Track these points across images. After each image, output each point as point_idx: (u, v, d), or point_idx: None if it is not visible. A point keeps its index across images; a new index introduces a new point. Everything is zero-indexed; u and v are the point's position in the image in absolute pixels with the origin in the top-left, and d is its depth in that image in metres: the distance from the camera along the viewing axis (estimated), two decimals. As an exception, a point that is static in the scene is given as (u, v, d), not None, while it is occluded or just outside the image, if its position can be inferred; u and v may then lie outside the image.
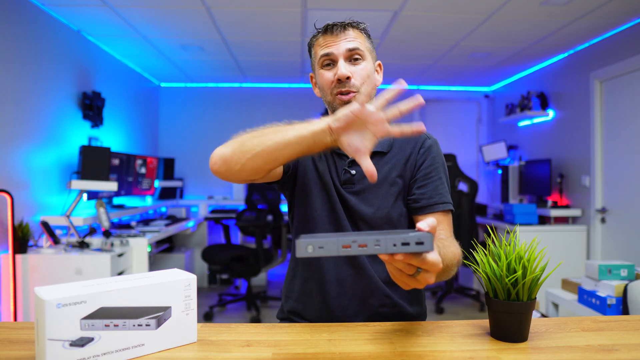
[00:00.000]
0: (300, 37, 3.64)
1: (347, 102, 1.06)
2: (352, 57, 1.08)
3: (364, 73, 1.08)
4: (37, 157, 2.94)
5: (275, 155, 0.91)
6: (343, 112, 0.82)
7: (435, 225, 0.66)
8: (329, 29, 1.10)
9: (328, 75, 1.09)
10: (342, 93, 1.07)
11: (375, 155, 1.13)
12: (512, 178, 4.52)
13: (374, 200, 1.12)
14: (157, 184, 4.75)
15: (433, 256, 0.67)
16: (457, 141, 5.56)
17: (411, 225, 1.15)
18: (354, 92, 1.07)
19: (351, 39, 1.08)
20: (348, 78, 1.06)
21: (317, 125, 0.86)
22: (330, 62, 1.10)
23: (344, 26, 1.09)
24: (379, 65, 1.18)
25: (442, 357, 0.77)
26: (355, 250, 0.62)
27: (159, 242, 4.24)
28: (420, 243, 0.62)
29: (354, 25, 1.11)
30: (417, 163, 1.14)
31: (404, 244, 0.62)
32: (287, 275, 1.25)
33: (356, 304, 1.11)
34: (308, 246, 0.62)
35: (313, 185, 1.16)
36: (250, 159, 0.93)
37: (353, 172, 1.13)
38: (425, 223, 0.65)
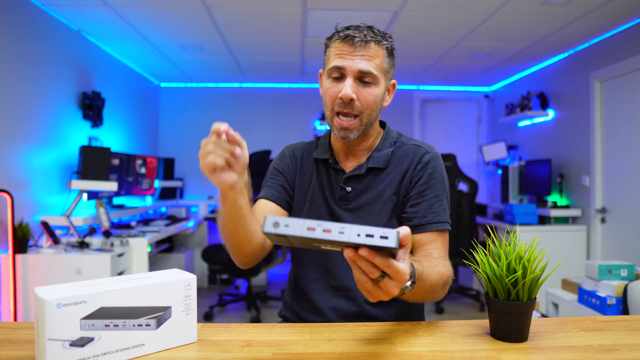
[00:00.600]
0: (300, 37, 3.64)
1: (345, 129, 1.04)
2: (363, 79, 1.02)
3: (370, 99, 1.03)
4: (37, 157, 2.94)
5: (228, 227, 0.94)
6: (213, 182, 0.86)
7: (408, 234, 0.66)
8: (350, 39, 1.01)
9: (333, 90, 1.04)
10: (342, 114, 1.04)
11: (371, 172, 1.11)
12: (512, 178, 4.52)
13: (368, 217, 1.09)
14: (157, 184, 4.75)
15: (400, 264, 0.65)
16: (457, 141, 5.56)
17: None
18: (355, 114, 1.03)
19: (368, 58, 1.01)
20: (352, 100, 1.02)
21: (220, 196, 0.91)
22: (339, 75, 1.03)
23: (366, 41, 1.01)
24: (393, 85, 1.11)
25: (442, 357, 0.77)
26: (320, 234, 0.62)
27: (159, 242, 4.24)
28: (384, 237, 0.62)
29: (378, 40, 1.03)
30: (412, 180, 1.09)
31: (368, 235, 0.62)
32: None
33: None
34: (274, 222, 0.64)
35: (302, 202, 1.16)
36: (234, 250, 0.99)
37: (349, 189, 1.10)
38: (401, 230, 0.65)
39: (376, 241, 0.62)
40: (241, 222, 0.92)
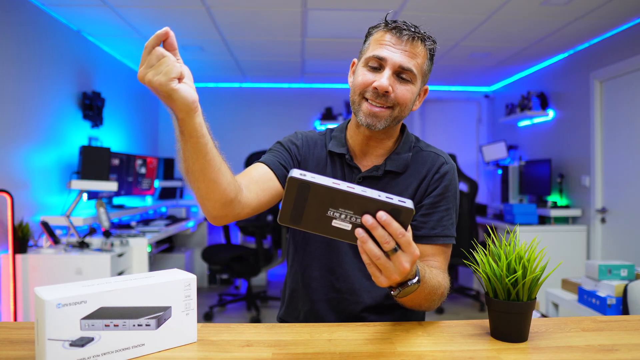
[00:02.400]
0: (300, 37, 3.64)
1: (373, 115, 0.98)
2: (401, 74, 0.98)
3: (406, 95, 0.99)
4: (37, 157, 2.94)
5: (193, 169, 0.83)
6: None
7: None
8: (397, 30, 0.97)
9: (368, 76, 0.99)
10: (371, 101, 0.98)
11: (388, 175, 1.08)
12: (512, 178, 4.52)
13: None
14: (157, 184, 4.75)
15: (412, 239, 0.69)
16: (457, 141, 5.56)
17: None
18: (389, 106, 0.99)
19: (411, 55, 0.97)
20: (386, 92, 0.97)
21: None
22: (378, 66, 0.98)
23: (413, 37, 0.97)
24: (425, 90, 1.08)
25: (442, 357, 0.77)
26: (344, 187, 0.66)
27: (159, 242, 4.24)
28: (402, 201, 0.67)
29: (424, 40, 0.99)
30: (428, 188, 1.06)
31: (388, 197, 0.67)
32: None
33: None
34: (302, 172, 0.66)
35: None
36: (196, 191, 0.87)
37: None
38: None
39: (395, 202, 0.66)
40: (209, 158, 0.81)
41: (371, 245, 0.67)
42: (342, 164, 1.11)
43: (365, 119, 1.00)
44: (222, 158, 0.86)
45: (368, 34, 1.04)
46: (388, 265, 0.69)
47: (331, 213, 0.67)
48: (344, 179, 1.09)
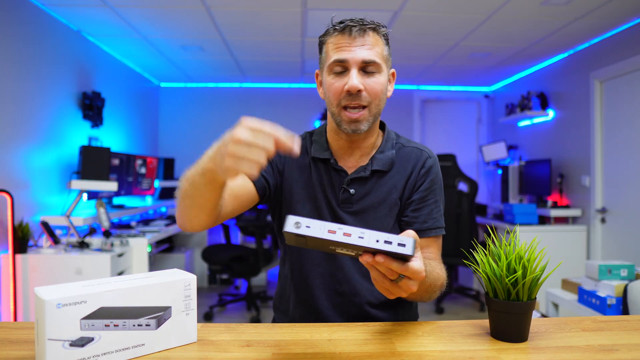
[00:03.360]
0: (300, 37, 3.64)
1: (355, 121, 0.99)
2: (367, 68, 0.99)
3: (377, 88, 1.00)
4: (37, 157, 2.94)
5: (199, 202, 0.87)
6: (217, 155, 0.74)
7: (417, 237, 0.69)
8: (347, 30, 0.99)
9: (337, 84, 0.99)
10: (350, 107, 0.99)
11: (375, 174, 1.08)
12: (512, 178, 4.52)
13: (372, 222, 1.06)
14: (157, 184, 4.75)
15: (416, 264, 0.68)
16: (457, 141, 5.56)
17: None
18: (364, 105, 0.99)
19: (369, 46, 0.99)
20: (359, 91, 0.98)
21: (200, 165, 0.82)
22: (342, 69, 0.99)
23: (363, 29, 0.99)
24: (393, 74, 1.08)
25: (442, 357, 0.77)
26: (340, 237, 0.64)
27: (159, 242, 4.24)
28: (402, 245, 0.64)
29: (375, 28, 1.01)
30: (416, 184, 1.08)
31: (386, 242, 0.64)
32: (276, 290, 1.22)
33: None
34: (296, 222, 0.64)
35: (302, 203, 1.09)
36: (187, 213, 0.91)
37: (352, 191, 1.07)
38: (414, 237, 0.68)
39: (394, 248, 0.64)
40: (217, 201, 0.88)
41: (376, 273, 0.70)
42: (327, 168, 1.10)
43: (348, 127, 1.01)
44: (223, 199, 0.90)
45: (321, 44, 1.06)
46: (394, 288, 0.71)
47: (332, 248, 0.69)
48: (331, 183, 1.09)
